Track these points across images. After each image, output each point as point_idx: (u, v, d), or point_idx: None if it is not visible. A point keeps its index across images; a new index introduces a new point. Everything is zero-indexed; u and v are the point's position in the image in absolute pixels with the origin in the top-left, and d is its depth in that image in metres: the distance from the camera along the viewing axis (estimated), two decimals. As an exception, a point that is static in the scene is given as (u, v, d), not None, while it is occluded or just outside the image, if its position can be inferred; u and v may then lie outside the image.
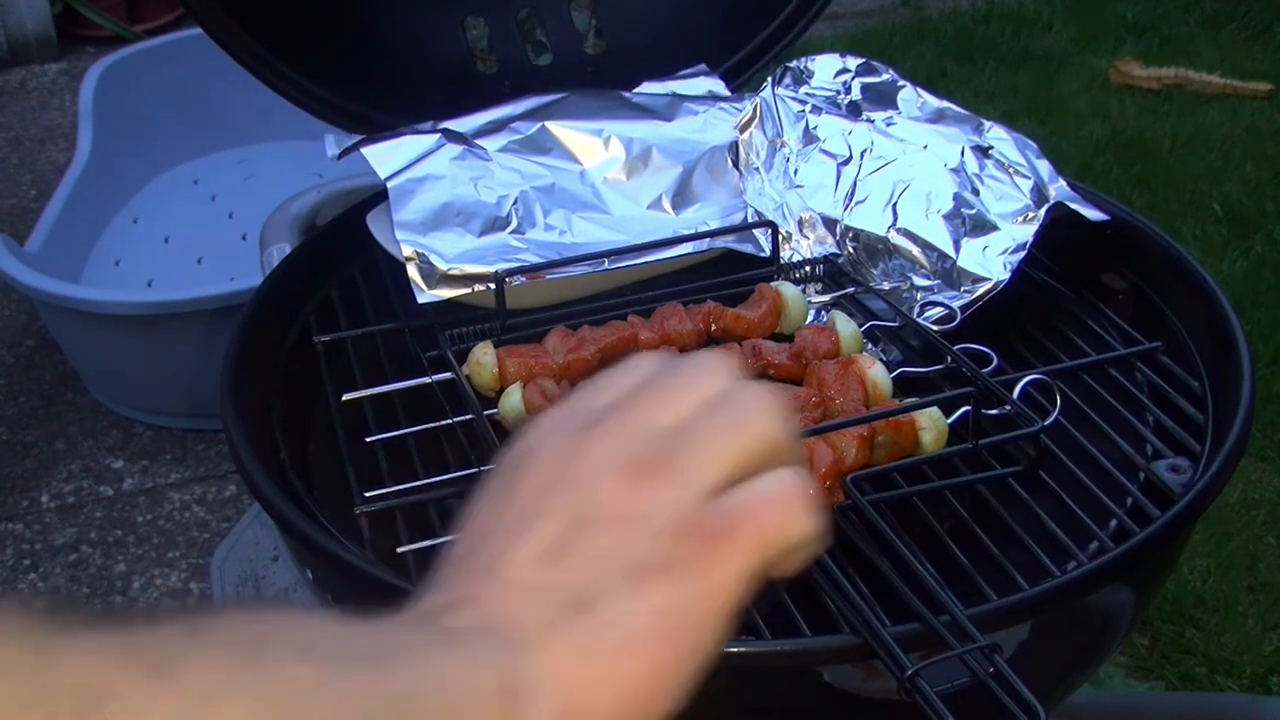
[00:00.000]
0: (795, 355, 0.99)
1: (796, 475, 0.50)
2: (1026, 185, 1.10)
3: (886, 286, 1.08)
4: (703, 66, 1.32)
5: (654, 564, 0.47)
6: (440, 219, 1.08)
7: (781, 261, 1.11)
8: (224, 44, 1.15)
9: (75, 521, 2.40)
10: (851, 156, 1.16)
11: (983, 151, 1.13)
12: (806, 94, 1.22)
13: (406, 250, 1.05)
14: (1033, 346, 1.06)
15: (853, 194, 1.13)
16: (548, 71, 1.30)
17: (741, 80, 1.35)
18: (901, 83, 1.23)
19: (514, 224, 1.11)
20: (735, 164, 1.20)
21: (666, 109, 1.24)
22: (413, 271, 1.04)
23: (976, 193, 1.10)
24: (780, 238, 1.12)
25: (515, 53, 1.29)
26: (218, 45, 1.15)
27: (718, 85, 1.30)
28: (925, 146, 1.14)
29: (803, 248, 1.14)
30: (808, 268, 1.11)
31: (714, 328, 1.04)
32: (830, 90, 1.23)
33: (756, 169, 1.19)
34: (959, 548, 0.83)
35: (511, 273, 1.04)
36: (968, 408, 0.90)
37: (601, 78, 1.30)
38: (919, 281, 1.08)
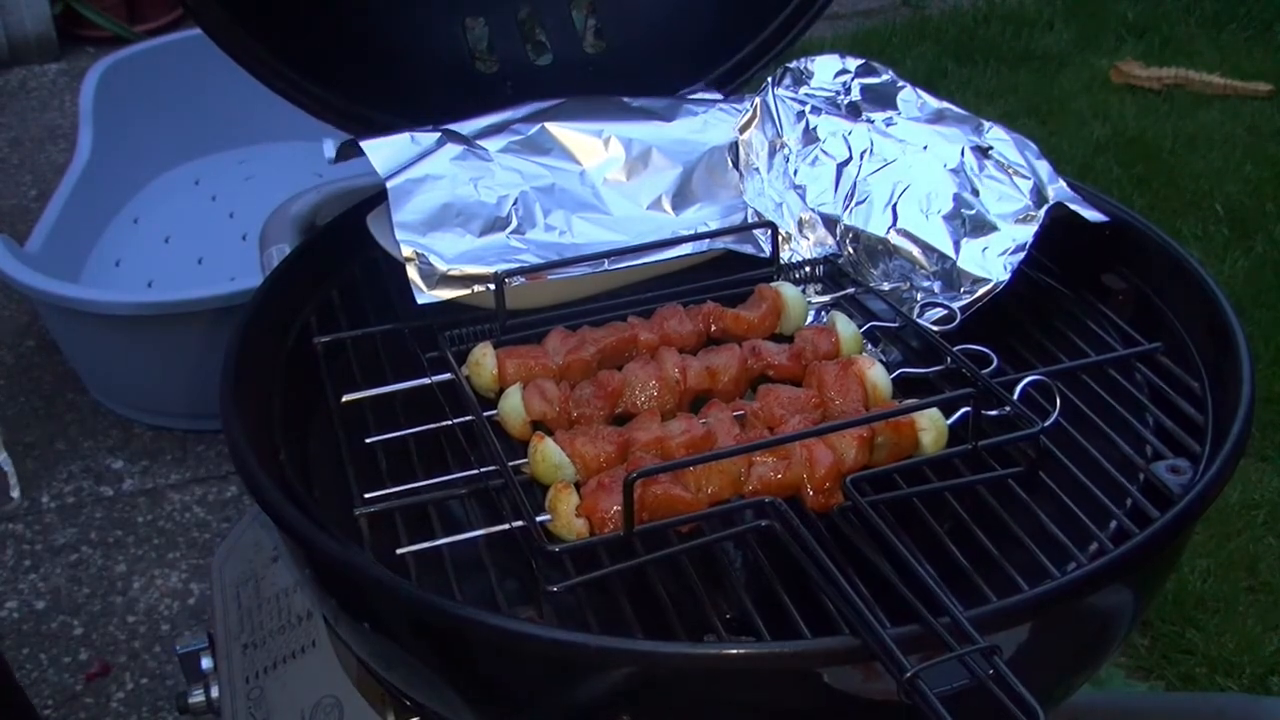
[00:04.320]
0: (795, 356, 0.99)
1: None
2: (1026, 186, 1.10)
3: (886, 287, 1.08)
4: (700, 85, 1.32)
5: None
6: (440, 219, 1.08)
7: (781, 262, 1.11)
8: (223, 44, 1.14)
9: (75, 521, 2.40)
10: (851, 157, 1.16)
11: (983, 152, 1.13)
12: (806, 94, 1.22)
13: (406, 251, 1.05)
14: (1032, 347, 1.06)
15: (853, 194, 1.13)
16: (548, 71, 1.30)
17: (740, 81, 1.35)
18: (901, 83, 1.23)
19: (514, 224, 1.11)
20: (735, 164, 1.20)
21: (666, 110, 1.24)
22: (412, 272, 1.04)
23: (976, 193, 1.10)
24: (780, 238, 1.12)
25: (515, 53, 1.29)
26: (217, 46, 1.14)
27: (717, 96, 1.30)
28: (925, 147, 1.14)
29: (803, 248, 1.14)
30: (808, 268, 1.11)
31: (714, 328, 1.04)
32: (830, 91, 1.23)
33: (756, 169, 1.19)
34: (959, 549, 0.83)
35: (511, 273, 1.04)
36: (967, 409, 0.90)
37: (601, 77, 1.30)
38: (919, 282, 1.08)
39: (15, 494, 2.41)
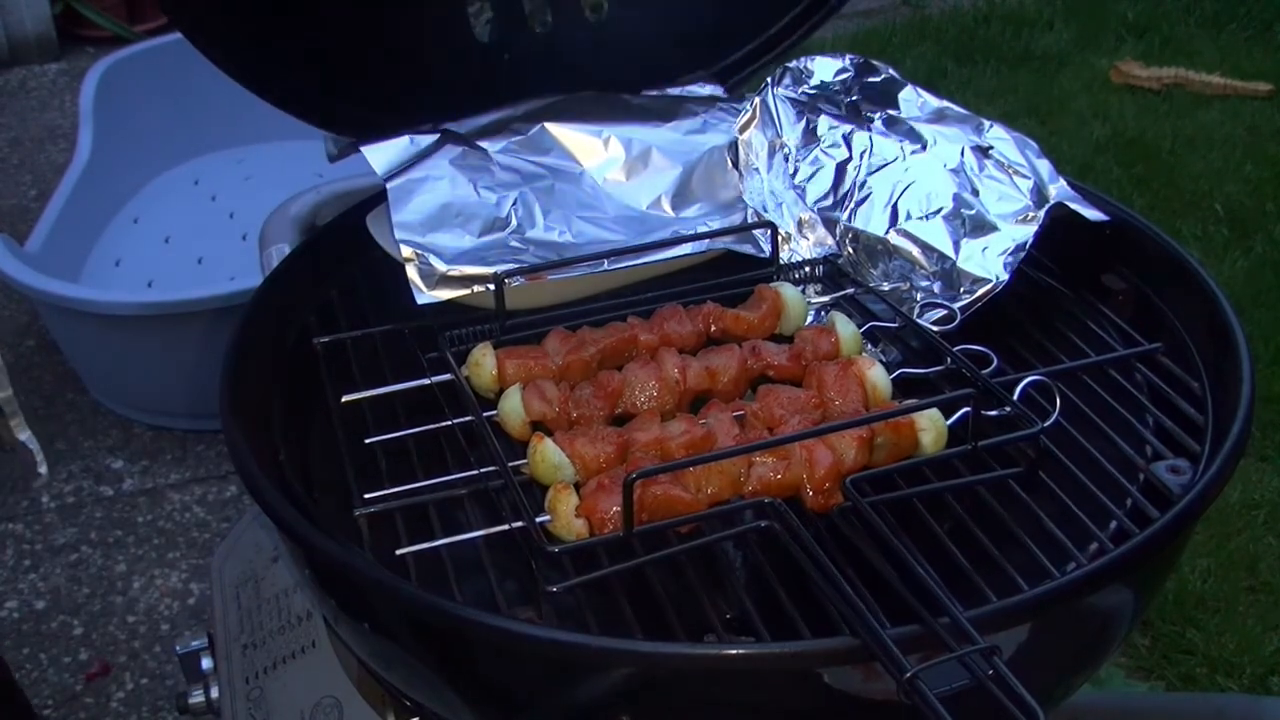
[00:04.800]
0: (795, 356, 0.99)
1: None
2: (1026, 185, 1.10)
3: (886, 287, 1.08)
4: (702, 72, 1.32)
5: None
6: (440, 219, 1.08)
7: (781, 262, 1.11)
8: (215, 59, 1.11)
9: (75, 521, 2.40)
10: (851, 157, 1.15)
11: (983, 151, 1.13)
12: (806, 94, 1.22)
13: (406, 251, 1.05)
14: (1033, 347, 1.06)
15: (853, 194, 1.13)
16: (546, 42, 1.27)
17: (742, 77, 1.35)
18: (901, 82, 1.22)
19: (514, 224, 1.11)
20: (735, 164, 1.20)
21: (666, 110, 1.24)
22: (412, 272, 1.04)
23: (976, 193, 1.10)
24: (780, 238, 1.12)
25: (515, 25, 1.25)
26: (209, 60, 1.11)
27: (717, 92, 1.30)
28: (925, 147, 1.14)
29: (802, 248, 1.14)
30: (807, 268, 1.11)
31: (714, 329, 1.04)
32: (830, 90, 1.23)
33: (756, 169, 1.19)
34: (959, 549, 0.83)
35: (511, 274, 1.04)
36: (967, 409, 0.90)
37: (601, 57, 1.27)
38: (919, 282, 1.08)
39: (43, 470, 2.42)
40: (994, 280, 1.04)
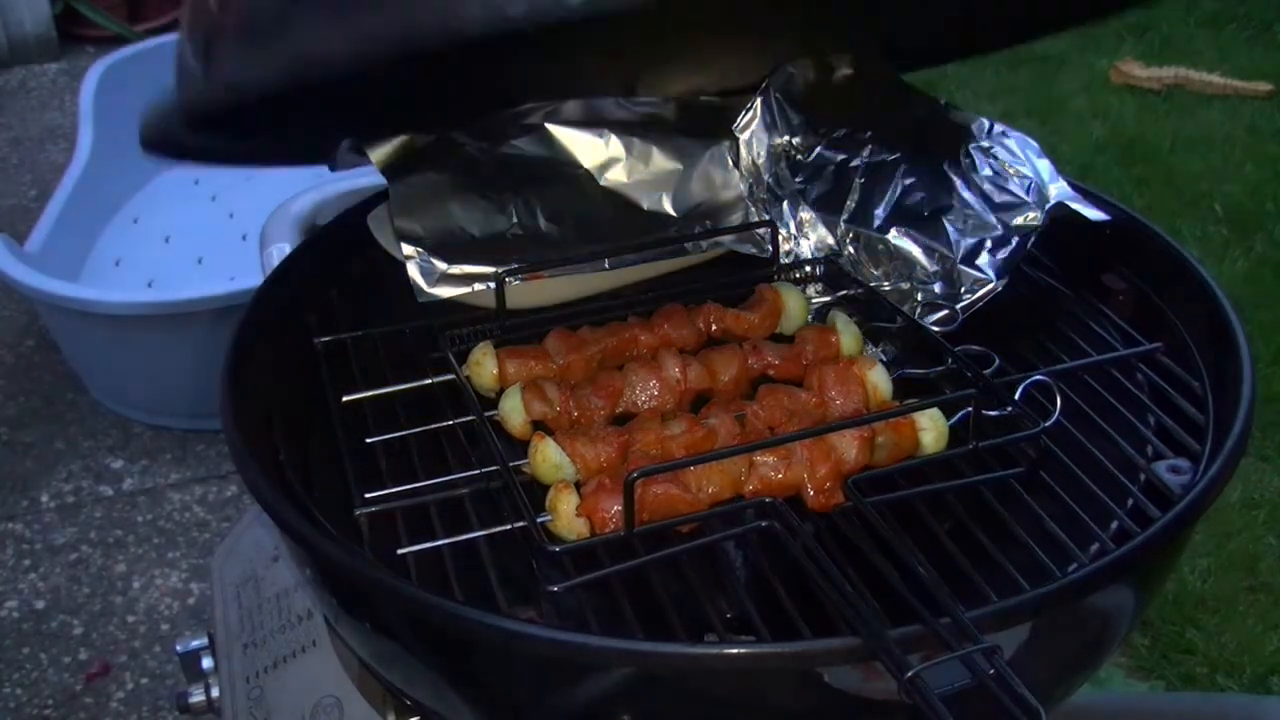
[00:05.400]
0: (795, 356, 0.99)
1: None
2: (1027, 185, 1.10)
3: (887, 287, 1.08)
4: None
5: None
6: (441, 218, 1.08)
7: (781, 262, 1.11)
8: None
9: (75, 521, 2.40)
10: (852, 156, 1.15)
11: (983, 151, 1.13)
12: (807, 93, 1.22)
13: (406, 249, 1.05)
14: (1033, 347, 1.06)
15: (853, 194, 1.13)
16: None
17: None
18: (901, 82, 1.22)
19: (514, 223, 1.11)
20: (735, 164, 1.20)
21: (666, 110, 1.24)
22: (413, 271, 1.04)
23: (977, 192, 1.10)
24: (780, 238, 1.12)
25: None
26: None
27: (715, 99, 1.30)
28: (926, 146, 1.14)
29: (803, 248, 1.14)
30: (808, 268, 1.11)
31: (714, 328, 1.04)
32: (831, 89, 1.22)
33: (757, 169, 1.19)
34: (960, 549, 0.83)
35: (512, 273, 1.04)
36: (968, 409, 0.90)
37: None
38: (919, 282, 1.08)
39: None
40: (994, 280, 1.04)
